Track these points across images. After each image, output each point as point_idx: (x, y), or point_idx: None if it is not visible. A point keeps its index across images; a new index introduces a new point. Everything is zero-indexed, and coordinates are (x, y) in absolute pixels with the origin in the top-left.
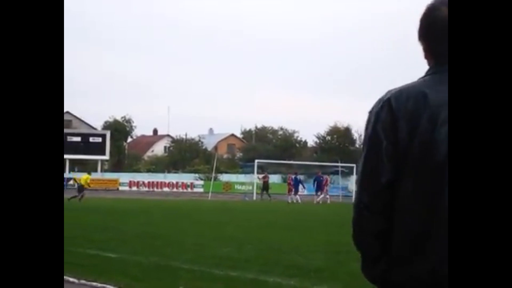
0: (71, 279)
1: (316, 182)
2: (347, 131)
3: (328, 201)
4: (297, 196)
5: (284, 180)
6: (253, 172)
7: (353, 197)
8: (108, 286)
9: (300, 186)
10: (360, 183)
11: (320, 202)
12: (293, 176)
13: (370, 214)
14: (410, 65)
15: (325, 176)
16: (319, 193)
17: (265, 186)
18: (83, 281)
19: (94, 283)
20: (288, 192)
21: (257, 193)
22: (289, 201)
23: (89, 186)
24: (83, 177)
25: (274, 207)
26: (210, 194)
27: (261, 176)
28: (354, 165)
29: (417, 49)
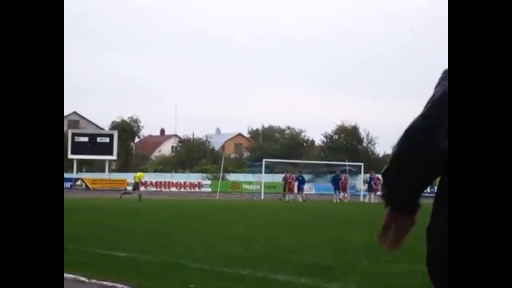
0: (81, 279)
1: (334, 181)
2: (354, 130)
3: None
4: (303, 195)
5: None
6: (261, 172)
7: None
8: (118, 285)
9: (305, 185)
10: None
11: (345, 200)
12: (294, 176)
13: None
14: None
15: (344, 175)
16: (337, 192)
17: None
18: (93, 280)
19: (105, 282)
20: (288, 190)
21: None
22: (287, 199)
23: (141, 183)
24: (136, 174)
25: (282, 206)
26: (218, 193)
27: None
28: (361, 164)
29: (425, 47)
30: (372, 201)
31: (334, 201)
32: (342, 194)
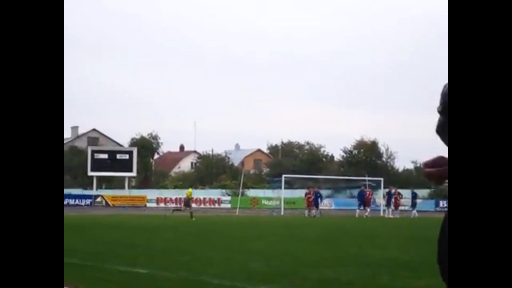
0: None
1: (359, 196)
2: (373, 144)
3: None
4: (317, 210)
5: None
6: (280, 187)
7: (381, 211)
8: None
9: (323, 200)
10: None
11: (367, 215)
12: (313, 191)
13: None
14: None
15: (368, 190)
16: (361, 207)
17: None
18: None
19: None
20: (307, 206)
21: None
22: (306, 215)
23: (187, 198)
24: (188, 190)
25: (301, 221)
26: (237, 209)
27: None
28: (381, 178)
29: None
30: (391, 216)
31: (357, 215)
32: (369, 209)
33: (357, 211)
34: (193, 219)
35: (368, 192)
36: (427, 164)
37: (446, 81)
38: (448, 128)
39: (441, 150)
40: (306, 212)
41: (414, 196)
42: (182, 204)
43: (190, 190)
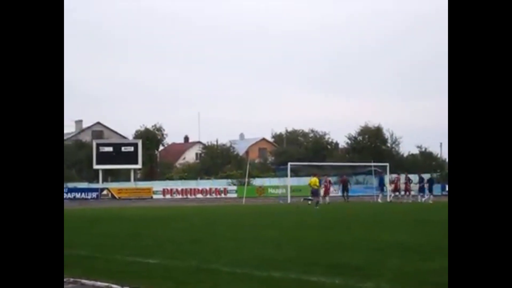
0: (114, 286)
1: (380, 182)
2: (378, 130)
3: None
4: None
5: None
6: (286, 176)
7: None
8: None
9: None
10: None
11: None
12: (329, 179)
13: None
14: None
15: (397, 176)
16: (382, 193)
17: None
18: (126, 287)
19: None
20: (324, 194)
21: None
22: (327, 202)
23: (318, 186)
24: (312, 180)
25: (309, 208)
26: (244, 198)
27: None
28: (387, 164)
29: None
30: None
31: (380, 200)
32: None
33: (377, 196)
34: (317, 207)
35: (396, 178)
36: None
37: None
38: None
39: (443, 133)
40: (325, 199)
41: (421, 181)
42: (310, 194)
43: (314, 179)
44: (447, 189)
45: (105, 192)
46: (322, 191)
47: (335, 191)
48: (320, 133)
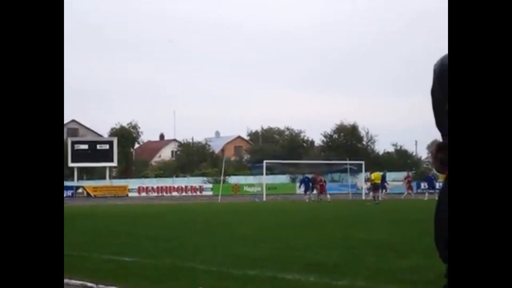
0: (89, 284)
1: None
2: (354, 128)
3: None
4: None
5: (293, 180)
6: (261, 174)
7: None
8: None
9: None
10: None
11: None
12: (321, 177)
13: None
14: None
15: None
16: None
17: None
18: (101, 286)
19: (113, 287)
20: (320, 191)
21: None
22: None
23: (374, 182)
24: (373, 175)
25: (284, 206)
26: (219, 196)
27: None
28: (362, 162)
29: (424, 44)
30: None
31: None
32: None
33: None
34: (376, 202)
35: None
36: (441, 147)
37: (430, 65)
38: (448, 125)
39: (418, 131)
40: (316, 196)
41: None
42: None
43: (376, 174)
44: (422, 186)
45: (80, 190)
46: (317, 189)
47: None
48: (296, 131)
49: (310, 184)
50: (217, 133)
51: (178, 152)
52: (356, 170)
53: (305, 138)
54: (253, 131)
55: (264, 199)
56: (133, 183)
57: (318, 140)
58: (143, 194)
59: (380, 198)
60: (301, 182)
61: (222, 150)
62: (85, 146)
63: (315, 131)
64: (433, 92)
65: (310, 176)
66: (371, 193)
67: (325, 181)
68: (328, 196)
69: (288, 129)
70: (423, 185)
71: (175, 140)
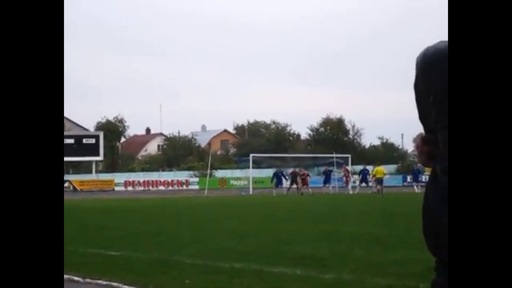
0: (75, 278)
1: (361, 175)
2: (340, 122)
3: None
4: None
5: None
6: (248, 167)
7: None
8: (113, 283)
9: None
10: None
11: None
12: (303, 171)
13: None
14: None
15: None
16: (362, 184)
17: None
18: (88, 280)
19: (99, 281)
20: (304, 185)
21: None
22: (309, 193)
23: (377, 177)
24: (378, 169)
25: (271, 200)
26: (206, 190)
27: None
28: (349, 155)
29: (409, 38)
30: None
31: (354, 192)
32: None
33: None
34: (379, 195)
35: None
36: (426, 140)
37: (417, 54)
38: (448, 122)
39: (405, 125)
40: (303, 190)
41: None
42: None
43: (379, 168)
44: (408, 180)
45: (66, 184)
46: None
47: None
48: (282, 125)
49: (283, 178)
50: (203, 127)
51: (165, 146)
52: (342, 164)
53: (292, 131)
54: (240, 125)
55: (251, 192)
56: (119, 177)
57: (304, 133)
58: (130, 188)
59: (383, 192)
60: (274, 175)
61: (209, 144)
62: (71, 140)
63: (301, 125)
64: (416, 85)
65: (290, 170)
66: (378, 186)
67: (308, 175)
68: (310, 190)
69: (274, 122)
70: (409, 178)
71: (161, 134)
